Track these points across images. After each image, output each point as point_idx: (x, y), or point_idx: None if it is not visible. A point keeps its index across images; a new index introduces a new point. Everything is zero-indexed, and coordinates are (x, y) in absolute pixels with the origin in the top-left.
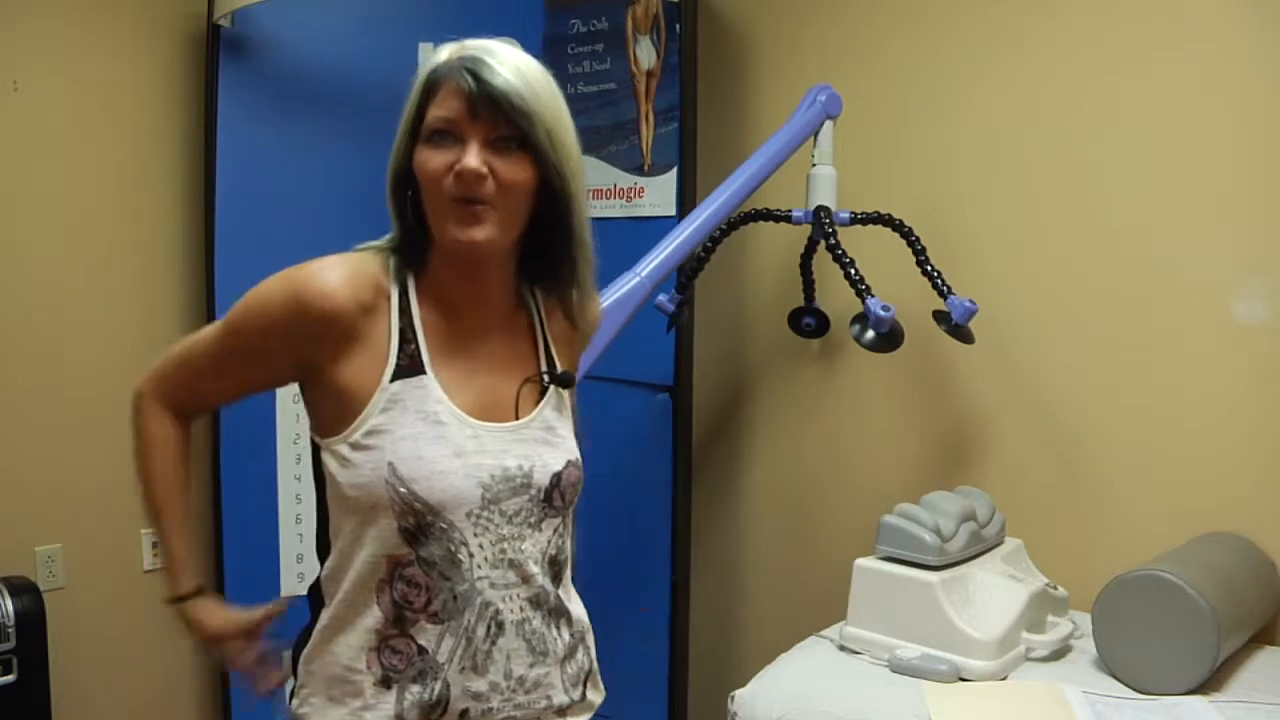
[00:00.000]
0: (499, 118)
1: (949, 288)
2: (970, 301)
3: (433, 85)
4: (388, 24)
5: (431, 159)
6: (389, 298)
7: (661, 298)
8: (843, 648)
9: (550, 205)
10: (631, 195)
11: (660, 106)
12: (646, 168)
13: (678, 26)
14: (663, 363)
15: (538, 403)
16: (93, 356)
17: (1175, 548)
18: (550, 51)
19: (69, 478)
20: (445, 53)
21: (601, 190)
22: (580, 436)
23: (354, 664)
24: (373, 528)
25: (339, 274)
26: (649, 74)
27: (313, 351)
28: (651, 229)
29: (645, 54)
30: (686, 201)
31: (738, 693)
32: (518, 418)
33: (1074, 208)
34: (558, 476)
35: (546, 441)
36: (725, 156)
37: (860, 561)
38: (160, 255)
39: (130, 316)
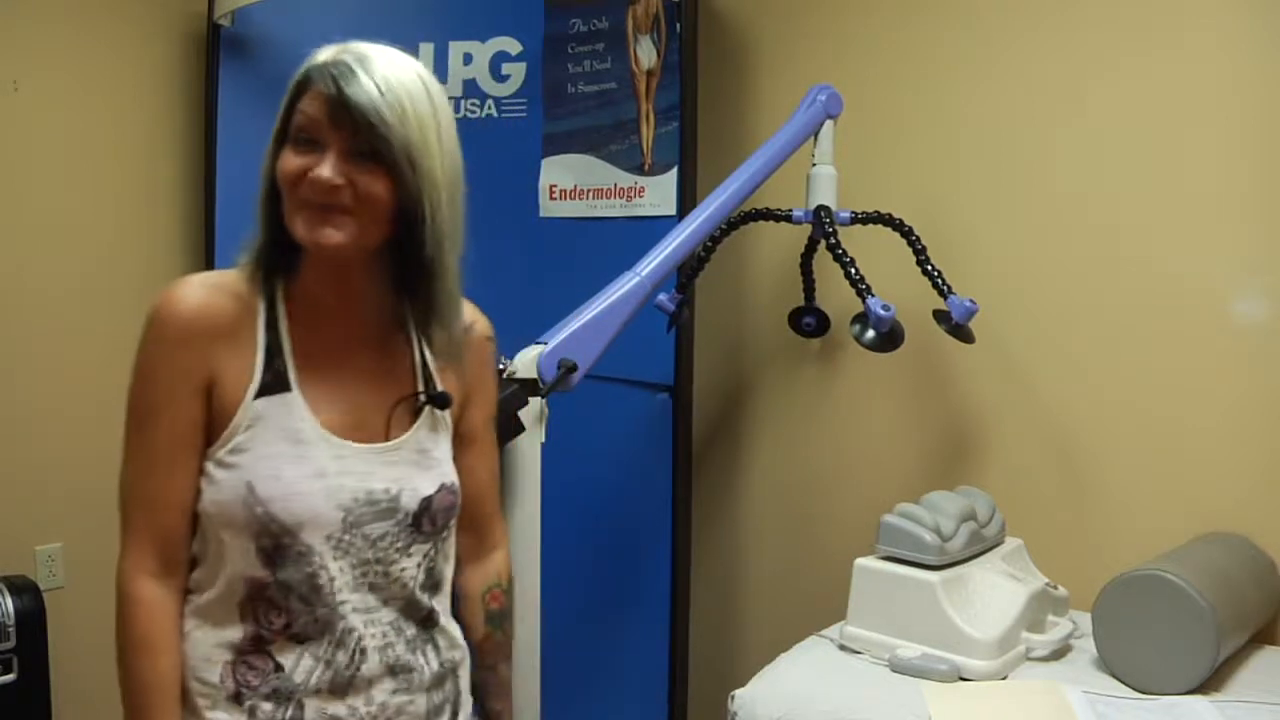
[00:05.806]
0: (357, 130)
1: (949, 287)
2: (970, 301)
3: (304, 86)
4: (388, 24)
5: (290, 161)
6: (255, 312)
7: (661, 297)
8: (843, 647)
9: (405, 224)
10: (631, 195)
11: (660, 106)
12: (646, 167)
13: (678, 26)
14: (663, 363)
15: (412, 424)
16: (93, 357)
17: (1175, 548)
18: (550, 51)
19: (69, 478)
20: (324, 54)
21: (601, 190)
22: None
23: (206, 675)
24: (232, 547)
25: (193, 289)
26: (649, 73)
27: (196, 371)
28: (651, 229)
29: (645, 53)
30: (686, 201)
31: (738, 693)
32: (388, 438)
33: (1074, 207)
34: (428, 501)
35: (418, 464)
36: (725, 156)
37: (860, 561)
38: (160, 255)
39: (130, 317)
